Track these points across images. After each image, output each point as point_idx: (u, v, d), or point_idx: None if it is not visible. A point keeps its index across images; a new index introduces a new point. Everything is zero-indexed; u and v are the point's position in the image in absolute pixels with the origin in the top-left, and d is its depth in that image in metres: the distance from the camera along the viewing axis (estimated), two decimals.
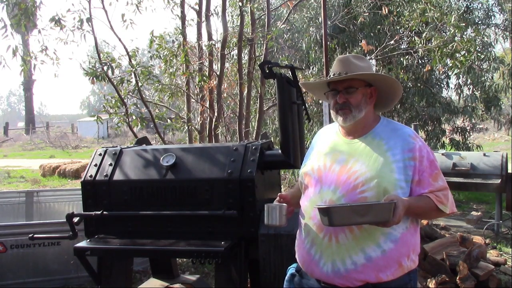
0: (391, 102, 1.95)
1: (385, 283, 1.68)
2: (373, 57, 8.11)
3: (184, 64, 5.78)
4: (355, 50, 8.36)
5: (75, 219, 2.76)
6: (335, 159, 1.82)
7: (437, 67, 8.31)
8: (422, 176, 1.72)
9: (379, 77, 1.88)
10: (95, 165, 2.87)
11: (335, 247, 1.71)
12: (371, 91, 1.85)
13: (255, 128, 6.28)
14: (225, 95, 6.65)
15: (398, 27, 8.69)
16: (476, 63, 8.97)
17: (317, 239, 1.77)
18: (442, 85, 10.16)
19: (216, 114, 5.71)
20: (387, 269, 1.68)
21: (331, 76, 1.85)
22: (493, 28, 10.69)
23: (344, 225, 1.65)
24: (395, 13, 8.15)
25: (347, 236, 1.69)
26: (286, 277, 1.95)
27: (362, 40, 7.81)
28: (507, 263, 4.27)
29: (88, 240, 2.72)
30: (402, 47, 8.74)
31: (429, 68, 7.97)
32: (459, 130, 9.87)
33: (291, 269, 1.95)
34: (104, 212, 2.71)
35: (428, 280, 3.65)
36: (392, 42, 7.60)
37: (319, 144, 1.97)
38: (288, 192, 2.05)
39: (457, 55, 7.06)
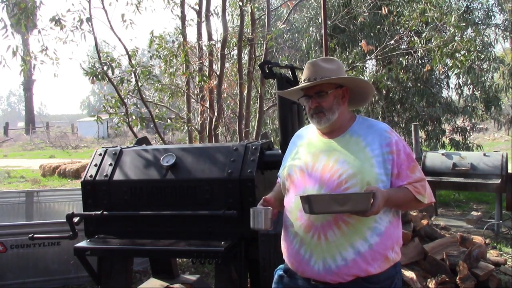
0: (366, 98, 1.99)
1: (374, 276, 1.73)
2: (373, 57, 8.11)
3: (184, 64, 5.78)
4: (355, 50, 8.36)
5: (75, 219, 2.76)
6: (316, 159, 1.85)
7: (437, 67, 8.30)
8: (400, 168, 1.78)
9: (347, 80, 1.91)
10: (95, 165, 2.87)
11: (325, 244, 1.74)
12: (343, 91, 1.89)
13: (255, 128, 6.28)
14: (225, 95, 6.65)
15: (398, 27, 8.69)
16: (476, 63, 8.97)
17: (305, 239, 1.79)
18: (442, 85, 10.17)
19: (216, 114, 5.71)
20: (374, 262, 1.72)
21: (302, 82, 1.88)
22: (493, 28, 10.69)
23: (324, 213, 1.70)
24: (395, 13, 8.15)
25: (335, 233, 1.73)
26: (274, 279, 1.96)
27: (362, 40, 7.82)
28: (507, 263, 4.27)
29: (88, 240, 2.72)
30: (402, 47, 8.73)
31: (429, 68, 7.97)
32: (459, 130, 9.87)
33: (279, 271, 1.96)
34: (104, 212, 2.71)
35: (428, 280, 3.64)
36: (392, 42, 7.59)
37: (299, 145, 1.99)
38: (271, 194, 2.05)
39: (457, 55, 7.05)
